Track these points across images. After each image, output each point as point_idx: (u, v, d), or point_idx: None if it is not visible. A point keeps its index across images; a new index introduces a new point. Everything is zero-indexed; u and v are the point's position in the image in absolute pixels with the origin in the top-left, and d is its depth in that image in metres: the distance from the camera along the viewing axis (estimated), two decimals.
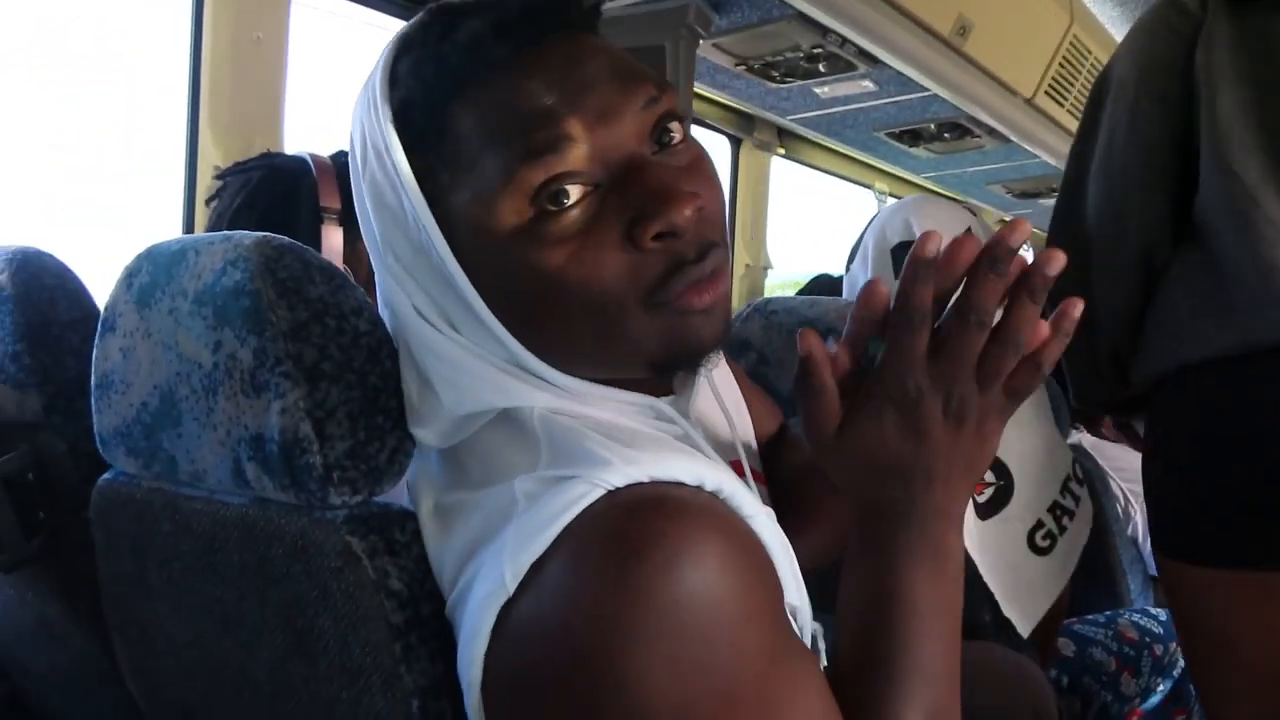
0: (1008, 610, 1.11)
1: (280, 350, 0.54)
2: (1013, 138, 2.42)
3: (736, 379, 0.76)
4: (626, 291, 0.50)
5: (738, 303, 2.52)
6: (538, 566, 0.45)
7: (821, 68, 1.94)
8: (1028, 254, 0.51)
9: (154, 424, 0.63)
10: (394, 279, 0.55)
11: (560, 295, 0.50)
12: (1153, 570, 1.71)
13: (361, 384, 0.56)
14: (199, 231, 1.28)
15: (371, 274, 0.59)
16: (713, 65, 1.96)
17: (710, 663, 0.42)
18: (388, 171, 0.52)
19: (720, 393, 0.64)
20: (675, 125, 0.53)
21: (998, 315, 0.51)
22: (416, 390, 0.56)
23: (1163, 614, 1.42)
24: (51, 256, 0.88)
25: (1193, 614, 0.88)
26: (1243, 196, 0.80)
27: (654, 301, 0.51)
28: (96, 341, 0.67)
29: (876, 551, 0.53)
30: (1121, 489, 1.74)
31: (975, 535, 1.11)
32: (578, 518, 0.45)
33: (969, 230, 1.12)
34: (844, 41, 1.77)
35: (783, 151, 2.58)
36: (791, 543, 0.53)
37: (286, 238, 0.59)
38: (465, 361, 0.53)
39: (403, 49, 0.54)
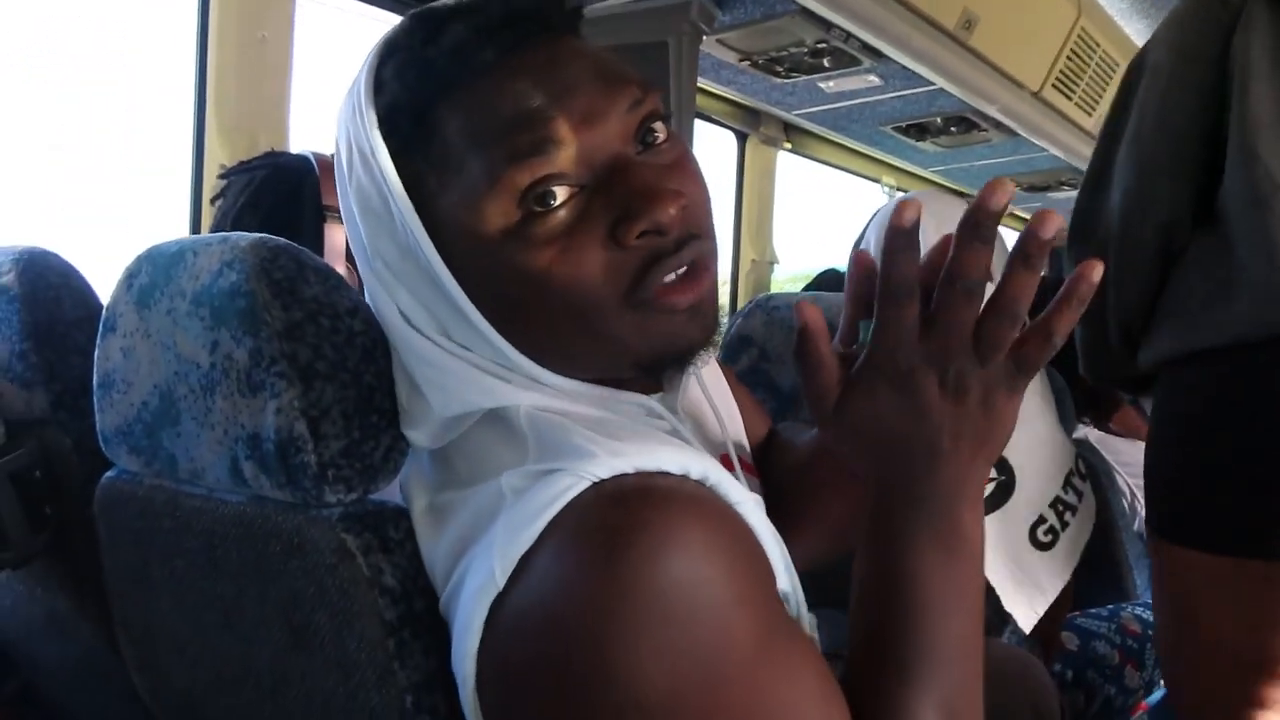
0: (1009, 605, 1.11)
1: (275, 350, 0.55)
2: (1020, 131, 2.41)
3: (727, 381, 0.76)
4: (609, 290, 0.51)
5: (744, 298, 2.52)
6: (526, 560, 0.45)
7: (826, 62, 1.93)
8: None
9: (154, 423, 0.63)
10: (381, 284, 0.55)
11: (547, 296, 0.51)
12: None
13: (356, 383, 0.57)
14: (205, 230, 1.29)
15: None
16: (717, 61, 1.96)
17: (699, 649, 0.42)
18: (374, 176, 0.52)
19: (709, 390, 0.64)
20: (659, 125, 0.54)
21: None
22: (406, 393, 0.57)
23: None
24: (57, 256, 0.89)
25: (1169, 589, 0.89)
26: (1265, 181, 0.79)
27: (636, 300, 0.51)
28: (98, 341, 0.68)
29: (886, 531, 0.51)
30: (1128, 484, 1.73)
31: None
32: (564, 510, 0.45)
33: None
34: (848, 36, 1.76)
35: (789, 146, 2.58)
36: (785, 543, 0.53)
37: (282, 239, 0.59)
38: (450, 365, 0.54)
39: (387, 54, 0.54)
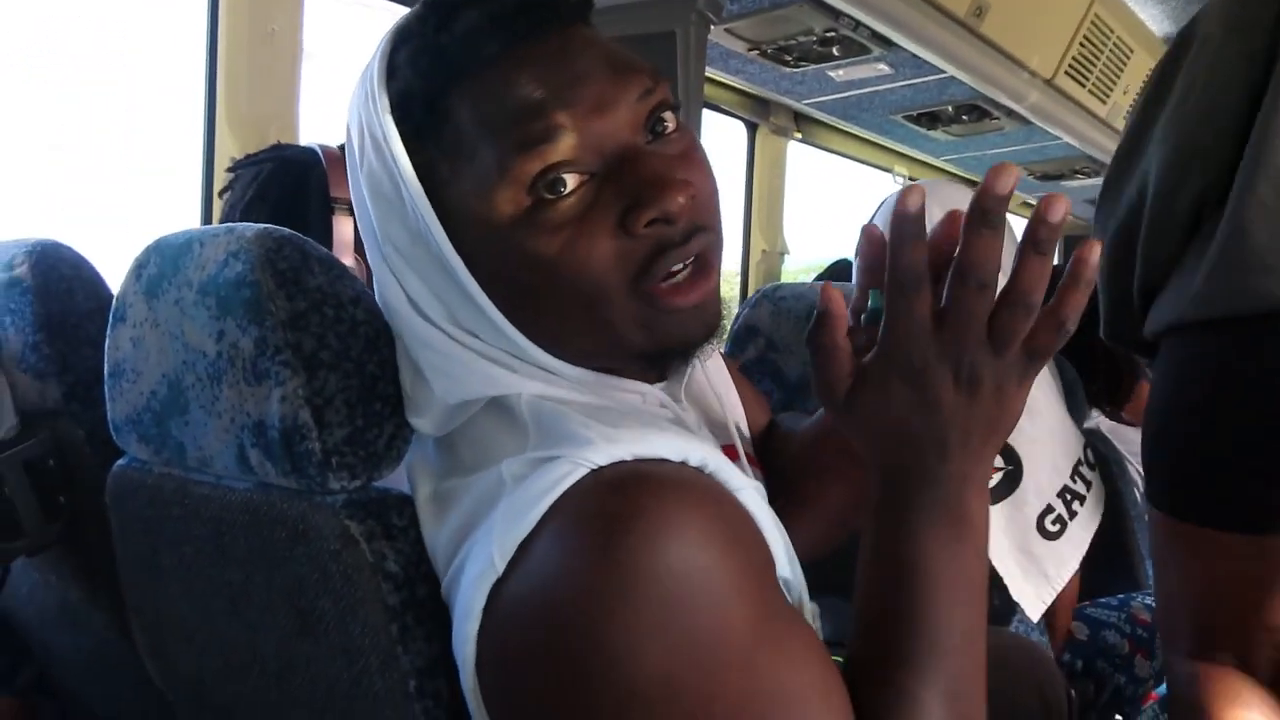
0: (1017, 595, 1.11)
1: (279, 339, 0.56)
2: (1033, 119, 2.38)
3: (730, 373, 0.77)
4: (617, 277, 0.51)
5: (754, 288, 2.51)
6: (525, 545, 0.46)
7: (835, 51, 1.92)
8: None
9: (163, 411, 0.64)
10: (390, 270, 0.56)
11: (555, 282, 0.51)
12: None
13: (359, 372, 0.57)
14: (216, 223, 1.30)
15: None
16: (725, 50, 1.95)
17: (696, 634, 0.43)
18: (386, 162, 0.53)
19: (713, 380, 0.64)
20: (668, 115, 0.54)
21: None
22: (410, 380, 0.58)
23: None
24: (69, 248, 0.90)
25: (1158, 555, 0.91)
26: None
27: (640, 289, 0.51)
28: (109, 331, 0.69)
29: (892, 519, 0.51)
30: (1139, 473, 1.72)
31: None
32: (563, 496, 0.46)
33: None
34: (857, 24, 1.75)
35: (799, 136, 2.57)
36: (788, 531, 0.53)
37: (287, 229, 0.60)
38: (455, 352, 0.55)
39: (400, 41, 0.54)
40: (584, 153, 0.51)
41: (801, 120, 2.54)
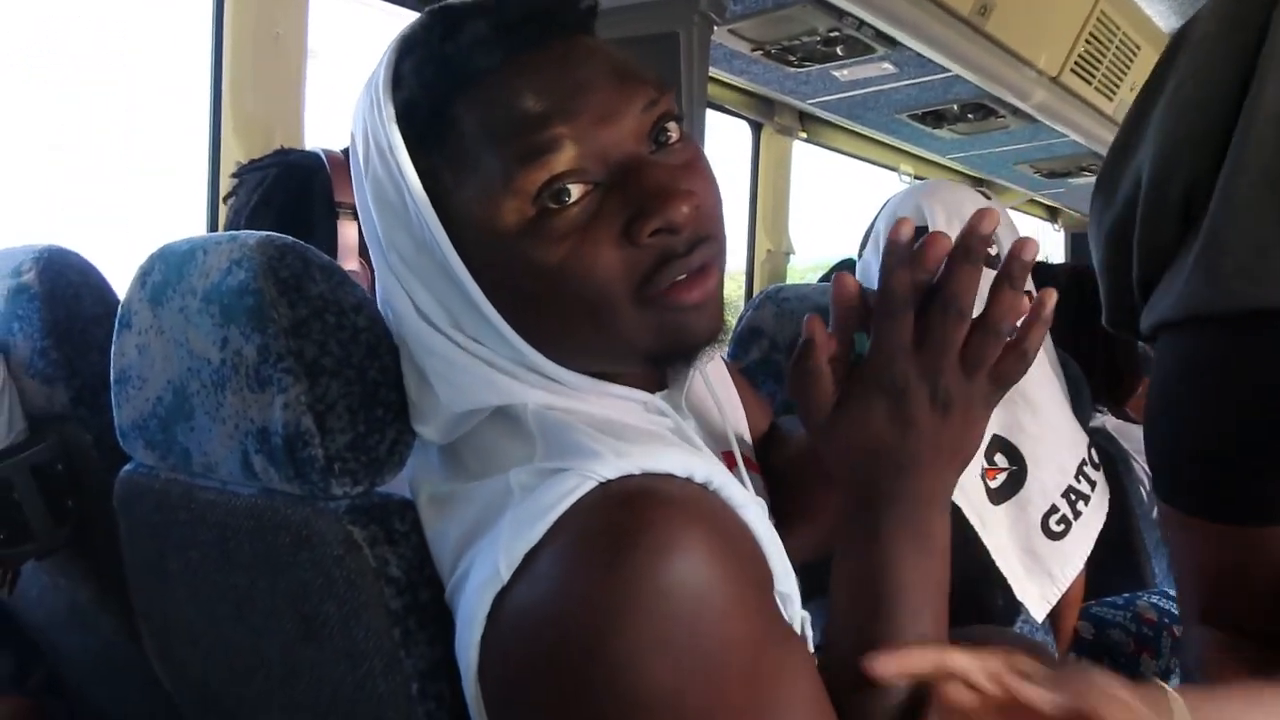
0: (1021, 595, 1.11)
1: (282, 347, 0.56)
2: (1039, 117, 2.38)
3: (730, 376, 0.77)
4: (620, 286, 0.52)
5: (759, 288, 2.51)
6: (531, 556, 0.46)
7: (839, 51, 1.92)
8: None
9: (168, 418, 0.65)
10: (395, 277, 0.56)
11: (560, 290, 0.52)
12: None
13: (361, 378, 0.58)
14: (222, 229, 1.31)
15: None
16: (730, 51, 1.95)
17: (699, 648, 0.44)
18: (390, 170, 0.53)
19: (714, 387, 0.65)
20: (673, 125, 0.55)
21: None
22: (416, 387, 0.58)
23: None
24: (76, 254, 0.91)
25: (1164, 535, 0.99)
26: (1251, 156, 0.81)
27: (644, 296, 0.52)
28: (115, 338, 0.69)
29: (866, 534, 0.54)
30: (1147, 472, 1.72)
31: (989, 519, 1.11)
32: (570, 509, 0.46)
33: None
34: (860, 24, 1.75)
35: (804, 135, 2.56)
36: (784, 536, 0.54)
37: (289, 237, 0.60)
38: (462, 360, 0.55)
39: (405, 50, 0.55)
40: (589, 162, 0.51)
41: (806, 119, 2.54)
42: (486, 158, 0.51)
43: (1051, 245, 4.26)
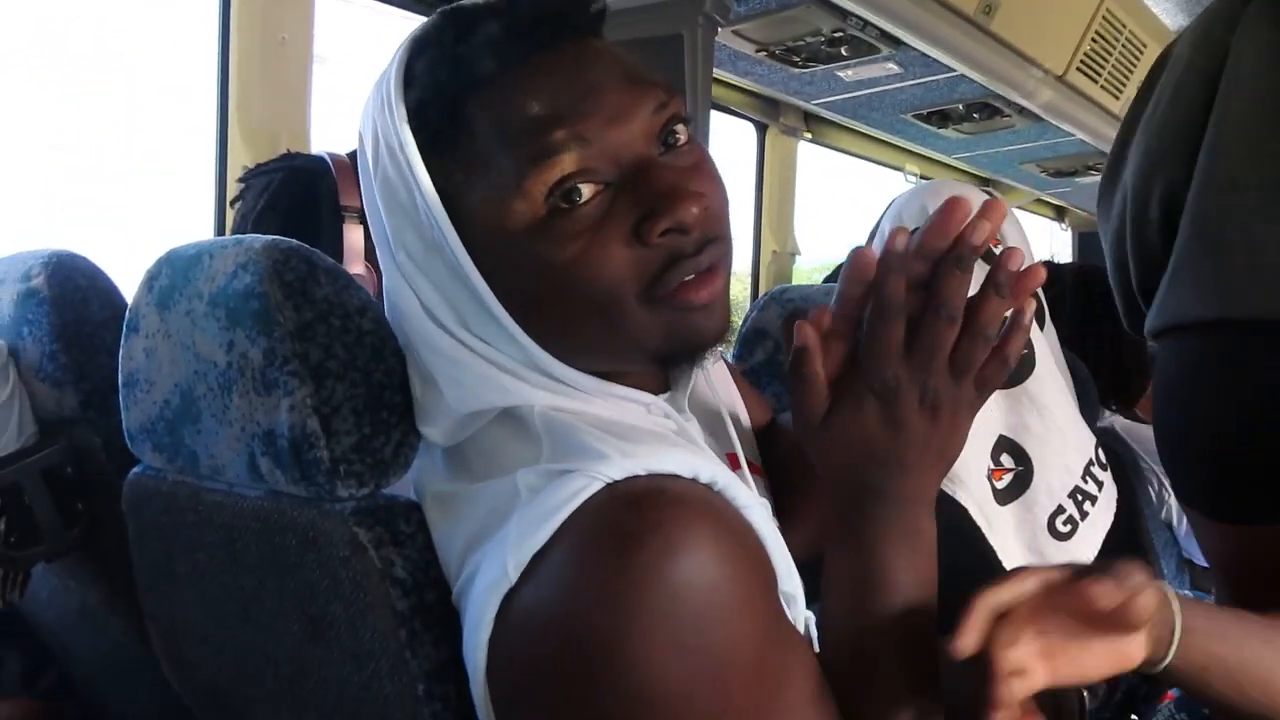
0: None
1: (288, 350, 0.56)
2: (1045, 116, 2.37)
3: (731, 376, 0.77)
4: (628, 286, 0.52)
5: (765, 289, 2.51)
6: (539, 557, 0.47)
7: (844, 51, 1.92)
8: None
9: (176, 420, 0.65)
10: (404, 277, 0.57)
11: (569, 290, 0.52)
12: (1186, 553, 1.68)
13: (366, 381, 0.58)
14: (229, 233, 1.31)
15: None
16: (734, 52, 1.95)
17: (707, 647, 0.44)
18: (401, 170, 0.54)
19: (716, 389, 0.65)
20: (681, 128, 0.55)
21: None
22: (422, 388, 0.58)
23: (1193, 596, 1.41)
24: (84, 258, 0.92)
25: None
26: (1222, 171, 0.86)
27: (652, 296, 0.53)
28: (122, 342, 0.70)
29: (857, 535, 0.55)
30: (1155, 472, 1.71)
31: (995, 520, 1.10)
32: (578, 510, 0.47)
33: None
34: (865, 24, 1.75)
35: (809, 136, 2.56)
36: (784, 534, 0.54)
37: (295, 241, 0.61)
38: (469, 361, 0.55)
39: (417, 50, 0.55)
40: (600, 162, 0.52)
41: (811, 120, 2.54)
42: (498, 158, 0.52)
43: (1059, 244, 4.24)
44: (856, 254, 0.54)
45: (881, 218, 1.30)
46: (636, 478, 0.48)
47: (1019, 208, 3.76)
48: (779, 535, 0.53)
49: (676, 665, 0.43)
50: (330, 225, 0.98)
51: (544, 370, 0.55)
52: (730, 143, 2.51)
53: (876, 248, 1.29)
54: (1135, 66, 2.36)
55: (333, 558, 0.57)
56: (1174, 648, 0.55)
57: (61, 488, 0.88)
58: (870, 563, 0.54)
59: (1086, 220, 4.12)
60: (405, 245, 0.56)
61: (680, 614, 0.43)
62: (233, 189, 1.21)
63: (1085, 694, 1.08)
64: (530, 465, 0.51)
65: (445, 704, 0.55)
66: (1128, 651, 0.54)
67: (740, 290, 2.77)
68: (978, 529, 1.07)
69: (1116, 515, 1.21)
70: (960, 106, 2.37)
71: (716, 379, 0.69)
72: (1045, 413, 1.16)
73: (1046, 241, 4.16)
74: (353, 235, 0.99)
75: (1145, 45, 2.32)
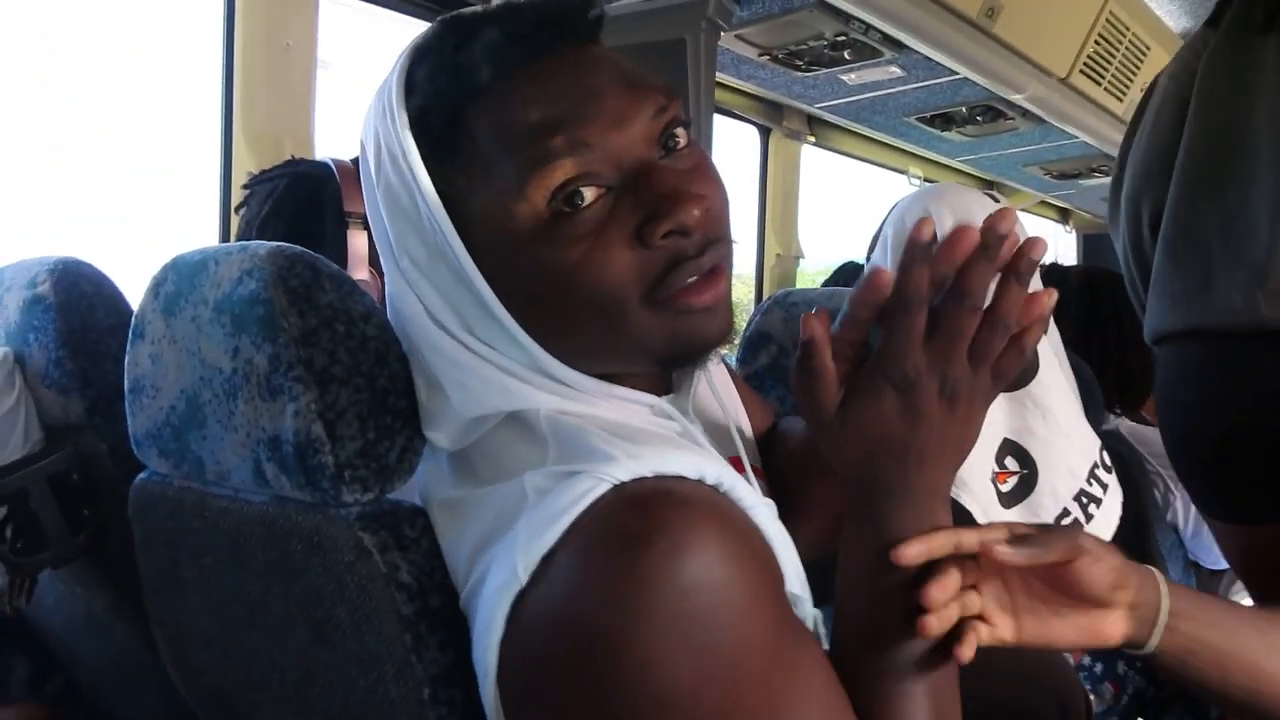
0: None
1: (292, 356, 0.57)
2: (1048, 119, 2.37)
3: (732, 380, 0.78)
4: (631, 289, 0.52)
5: (769, 292, 2.51)
6: (549, 558, 0.47)
7: (847, 55, 1.92)
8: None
9: (181, 426, 0.66)
10: (407, 283, 0.57)
11: (572, 292, 0.52)
12: (1192, 555, 1.68)
13: (370, 386, 0.58)
14: (235, 239, 1.32)
15: None
16: (737, 56, 1.96)
17: (716, 646, 0.44)
18: (404, 176, 0.54)
19: (719, 392, 0.65)
20: (680, 131, 0.56)
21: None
22: (427, 393, 0.59)
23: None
24: (89, 265, 0.92)
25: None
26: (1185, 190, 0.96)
27: (654, 298, 0.53)
28: (128, 348, 0.70)
29: (875, 526, 0.54)
30: (1161, 475, 1.71)
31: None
32: (586, 510, 0.47)
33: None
34: (867, 28, 1.75)
35: (813, 139, 2.56)
36: (790, 534, 0.54)
37: (299, 247, 0.61)
38: (474, 365, 0.56)
39: (418, 58, 0.56)
40: (602, 166, 0.52)
41: (815, 123, 2.54)
42: (501, 163, 0.52)
43: (1063, 247, 4.24)
44: (875, 274, 0.54)
45: (884, 222, 1.30)
46: (643, 479, 0.48)
47: (1023, 210, 3.76)
48: (785, 535, 0.53)
49: (686, 664, 0.44)
50: (334, 231, 0.99)
51: (548, 373, 0.55)
52: (734, 146, 2.52)
53: (879, 254, 1.30)
54: (1139, 68, 2.35)
55: (338, 562, 0.57)
56: (1158, 630, 0.56)
57: (67, 494, 0.88)
58: (887, 558, 0.53)
59: (1091, 222, 4.11)
60: (409, 251, 0.56)
61: (689, 613, 0.44)
62: (237, 195, 1.21)
63: (1092, 696, 1.07)
64: (537, 468, 0.51)
65: (451, 708, 0.55)
66: (1102, 628, 0.55)
67: (744, 292, 2.78)
68: None
69: (1122, 518, 1.20)
70: (963, 109, 2.37)
71: (719, 383, 0.69)
72: (1049, 416, 1.16)
73: (1051, 244, 4.16)
74: (357, 241, 1.00)
75: (1149, 47, 2.32)
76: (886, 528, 0.54)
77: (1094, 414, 1.45)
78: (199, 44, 1.45)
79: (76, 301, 0.89)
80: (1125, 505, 1.22)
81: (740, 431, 0.68)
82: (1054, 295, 0.53)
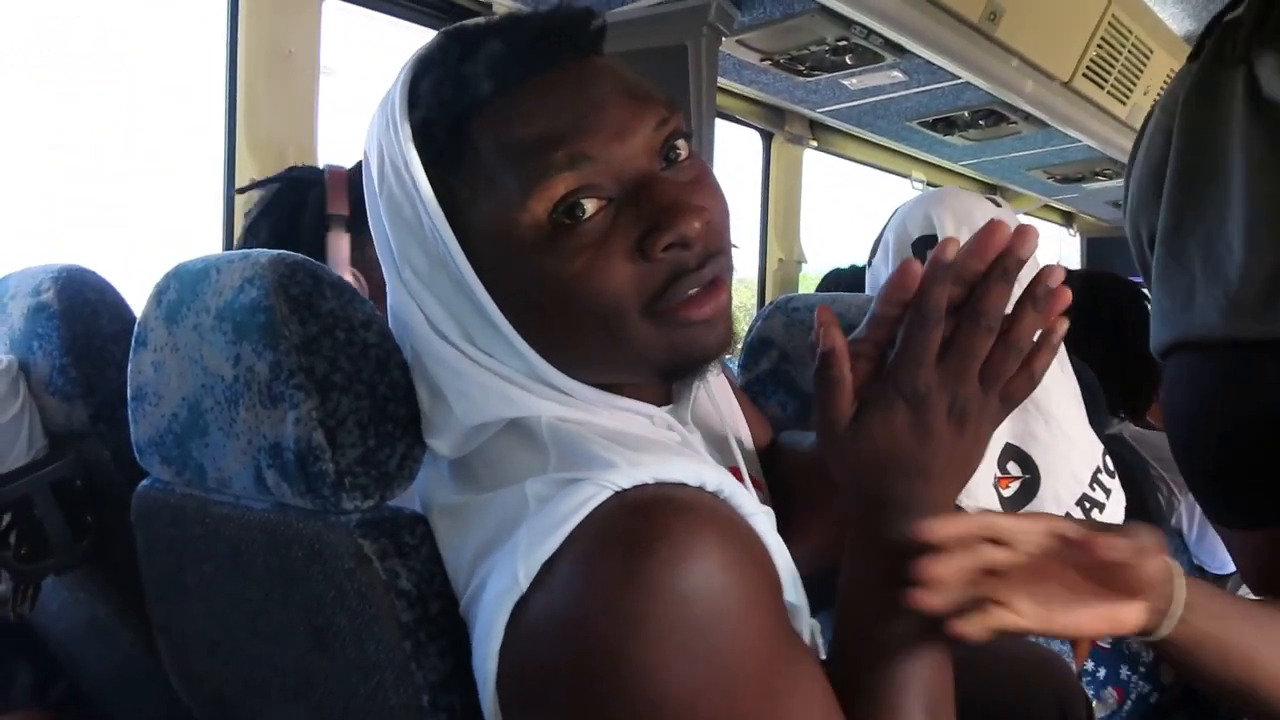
0: None
1: (293, 363, 0.57)
2: (1051, 123, 2.37)
3: (732, 390, 0.78)
4: (631, 301, 0.53)
5: (771, 297, 2.51)
6: (550, 565, 0.47)
7: (848, 60, 1.92)
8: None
9: (183, 434, 0.66)
10: (409, 292, 0.58)
11: (574, 304, 0.53)
12: (1196, 559, 1.67)
13: (371, 393, 0.59)
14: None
15: (383, 280, 0.62)
16: (739, 61, 1.96)
17: (716, 654, 0.44)
18: (406, 187, 0.55)
19: (718, 402, 0.65)
20: (681, 143, 0.56)
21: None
22: (429, 401, 0.59)
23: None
24: (93, 273, 0.92)
25: None
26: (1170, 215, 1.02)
27: (655, 310, 0.53)
28: (131, 356, 0.70)
29: (876, 544, 0.54)
30: (1165, 479, 1.70)
31: None
32: (587, 518, 0.47)
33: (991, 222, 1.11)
34: (869, 33, 1.75)
35: (815, 144, 2.57)
36: (788, 546, 0.54)
37: (300, 255, 0.61)
38: (476, 374, 0.56)
39: (422, 70, 0.56)
40: (603, 178, 0.52)
41: (817, 128, 2.54)
42: (503, 175, 0.52)
43: (1068, 250, 4.23)
44: (907, 264, 0.54)
45: (885, 226, 1.30)
46: (644, 486, 0.48)
47: (1027, 214, 3.75)
48: (783, 544, 0.53)
49: (684, 671, 0.44)
50: (311, 232, 0.99)
51: (548, 382, 0.56)
52: (736, 151, 2.52)
53: (881, 259, 1.30)
54: (1142, 71, 2.35)
55: (338, 570, 0.58)
56: (1171, 620, 0.56)
57: (71, 501, 0.89)
58: (890, 572, 0.53)
59: (1095, 226, 4.11)
60: (411, 261, 0.57)
61: (688, 621, 0.44)
62: (239, 203, 1.22)
63: (1095, 702, 1.07)
64: (538, 475, 0.51)
65: (450, 715, 0.55)
66: (1123, 616, 0.55)
67: (747, 296, 2.78)
68: None
69: (1125, 523, 1.20)
70: (966, 113, 2.37)
71: (719, 394, 0.69)
72: (1052, 421, 1.16)
73: (1055, 248, 4.15)
74: (338, 243, 1.00)
75: (1151, 50, 2.32)
76: (890, 542, 0.54)
77: (1097, 419, 1.45)
78: (200, 44, 1.46)
79: (80, 309, 0.89)
80: (1129, 510, 1.22)
81: (740, 443, 0.68)
82: (1064, 324, 0.53)
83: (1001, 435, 1.08)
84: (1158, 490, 1.68)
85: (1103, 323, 1.74)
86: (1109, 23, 2.15)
